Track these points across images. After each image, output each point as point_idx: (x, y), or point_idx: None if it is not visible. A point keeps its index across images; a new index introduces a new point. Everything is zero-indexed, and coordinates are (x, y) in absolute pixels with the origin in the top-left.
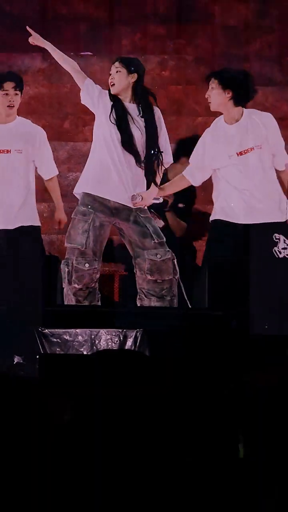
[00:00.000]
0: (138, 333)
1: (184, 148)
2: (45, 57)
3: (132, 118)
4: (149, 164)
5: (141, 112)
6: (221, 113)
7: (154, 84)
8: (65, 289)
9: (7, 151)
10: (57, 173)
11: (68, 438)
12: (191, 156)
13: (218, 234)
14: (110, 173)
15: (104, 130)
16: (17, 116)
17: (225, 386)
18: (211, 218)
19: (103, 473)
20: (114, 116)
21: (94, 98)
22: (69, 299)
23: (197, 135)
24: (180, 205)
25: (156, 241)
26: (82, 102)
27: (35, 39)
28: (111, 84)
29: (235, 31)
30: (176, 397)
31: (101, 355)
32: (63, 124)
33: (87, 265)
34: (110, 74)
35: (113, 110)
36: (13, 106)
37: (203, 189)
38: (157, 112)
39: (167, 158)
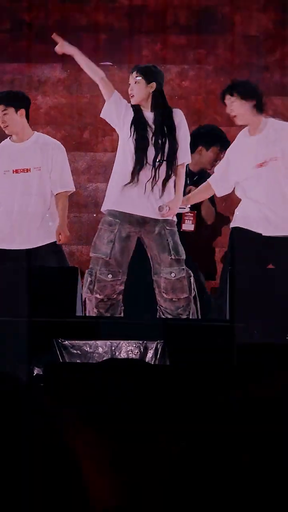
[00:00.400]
0: (159, 345)
1: (201, 138)
2: (64, 67)
3: (151, 129)
4: (162, 170)
5: (159, 120)
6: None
7: (174, 94)
8: (86, 299)
9: (27, 170)
10: (68, 189)
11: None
12: (216, 166)
13: (237, 241)
14: (133, 187)
15: (129, 145)
16: (35, 132)
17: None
18: (231, 225)
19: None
20: (135, 130)
21: (120, 116)
22: (90, 310)
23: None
24: None
25: (173, 257)
26: (102, 116)
27: (61, 46)
28: (131, 95)
29: (255, 40)
30: (183, 408)
31: (108, 364)
32: (83, 134)
33: (110, 276)
34: (130, 84)
35: (133, 124)
36: (8, 126)
37: (224, 200)
38: (178, 115)
39: (186, 158)
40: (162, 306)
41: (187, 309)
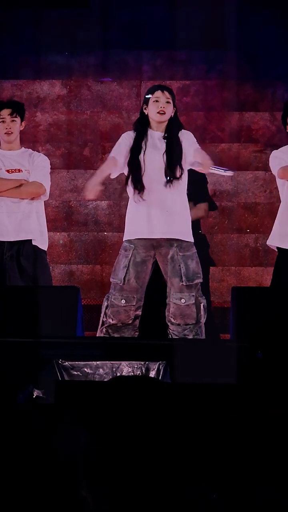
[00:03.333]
0: (160, 366)
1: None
2: (64, 84)
3: (160, 151)
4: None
5: (168, 144)
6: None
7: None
8: (100, 322)
9: (19, 170)
10: (40, 182)
11: (82, 465)
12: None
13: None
14: (143, 213)
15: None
16: (22, 147)
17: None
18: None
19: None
20: (137, 160)
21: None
22: (100, 331)
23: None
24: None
25: (184, 283)
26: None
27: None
28: (162, 112)
29: (258, 56)
30: (193, 425)
31: (117, 381)
32: (83, 152)
33: (123, 301)
34: (157, 101)
35: (134, 153)
36: (12, 133)
37: (227, 217)
38: (183, 134)
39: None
40: (170, 328)
41: (193, 330)
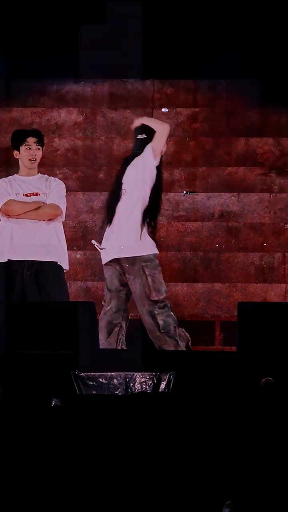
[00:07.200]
0: (171, 376)
1: None
2: (80, 111)
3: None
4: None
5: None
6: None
7: (185, 136)
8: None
9: (37, 194)
10: (57, 204)
11: (101, 477)
12: None
13: None
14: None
15: None
16: (38, 173)
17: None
18: None
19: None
20: None
21: None
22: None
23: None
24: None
25: (153, 298)
26: None
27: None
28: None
29: (264, 84)
30: (208, 439)
31: (137, 397)
32: (98, 175)
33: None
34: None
35: None
36: (35, 160)
37: (234, 236)
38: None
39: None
40: (154, 341)
41: (175, 334)
